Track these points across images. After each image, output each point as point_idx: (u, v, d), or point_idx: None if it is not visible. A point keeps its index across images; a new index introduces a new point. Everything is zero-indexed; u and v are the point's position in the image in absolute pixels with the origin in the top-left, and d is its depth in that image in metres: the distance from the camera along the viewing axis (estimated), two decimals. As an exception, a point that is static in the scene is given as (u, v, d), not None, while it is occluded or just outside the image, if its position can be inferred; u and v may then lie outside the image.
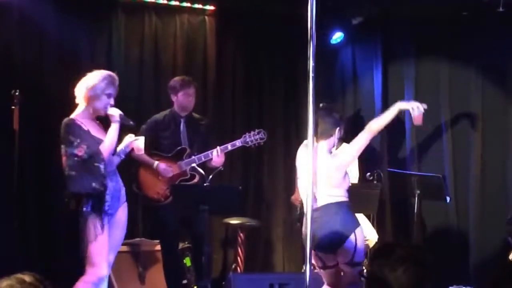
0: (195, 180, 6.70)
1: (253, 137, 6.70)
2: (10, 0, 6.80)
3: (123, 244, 6.91)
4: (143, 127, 6.78)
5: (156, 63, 7.84)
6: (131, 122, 5.69)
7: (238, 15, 8.16)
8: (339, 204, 5.33)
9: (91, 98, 5.41)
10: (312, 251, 4.92)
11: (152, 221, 7.07)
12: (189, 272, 6.81)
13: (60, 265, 6.81)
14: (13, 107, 5.61)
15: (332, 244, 5.21)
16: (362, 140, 5.52)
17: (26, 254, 6.30)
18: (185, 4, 7.93)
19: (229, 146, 6.69)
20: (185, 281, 6.79)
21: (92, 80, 5.43)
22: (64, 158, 5.26)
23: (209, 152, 6.65)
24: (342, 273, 5.40)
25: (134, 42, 7.72)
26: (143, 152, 5.75)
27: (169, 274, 6.75)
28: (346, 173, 5.43)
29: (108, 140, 5.43)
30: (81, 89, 5.43)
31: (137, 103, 7.57)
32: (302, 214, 6.89)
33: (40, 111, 6.90)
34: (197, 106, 7.16)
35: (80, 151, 5.24)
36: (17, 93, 5.79)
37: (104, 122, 5.54)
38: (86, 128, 5.35)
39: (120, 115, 5.52)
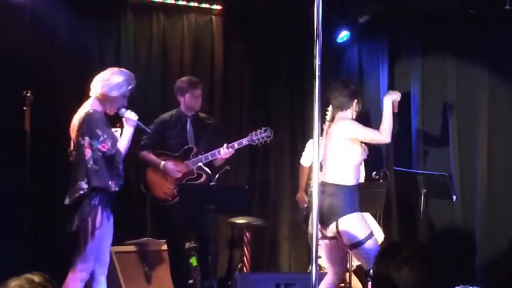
0: (202, 179, 6.73)
1: (259, 135, 6.72)
2: (22, 1, 6.84)
3: (130, 244, 6.99)
4: (151, 127, 6.82)
5: (164, 62, 7.89)
6: (148, 129, 5.71)
7: (244, 14, 8.20)
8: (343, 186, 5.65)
9: (110, 96, 5.39)
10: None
11: (159, 220, 7.09)
12: (195, 271, 6.83)
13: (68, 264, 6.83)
14: (24, 108, 5.64)
15: (325, 219, 5.56)
16: (371, 132, 5.80)
17: (36, 254, 6.33)
18: (192, 3, 7.97)
19: (235, 145, 6.71)
20: (191, 281, 6.81)
21: (115, 79, 5.41)
22: (88, 150, 5.21)
23: (215, 151, 6.68)
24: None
25: (142, 42, 7.77)
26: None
27: (176, 274, 6.77)
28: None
29: (124, 142, 5.42)
30: (101, 84, 5.40)
31: (145, 101, 7.62)
32: (308, 214, 6.94)
33: (51, 112, 6.94)
34: (204, 105, 7.19)
35: (104, 147, 5.23)
36: (28, 94, 5.81)
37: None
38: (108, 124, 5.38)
39: (138, 119, 5.52)
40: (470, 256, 7.12)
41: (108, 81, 5.38)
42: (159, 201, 6.78)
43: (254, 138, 6.71)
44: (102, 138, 5.21)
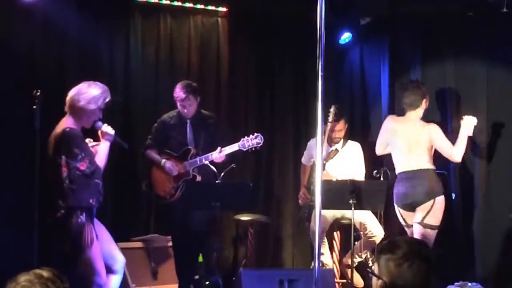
0: (197, 180, 6.73)
1: (250, 142, 6.62)
2: (34, 2, 6.87)
3: (136, 240, 7.01)
4: (155, 126, 6.86)
5: (171, 63, 7.91)
6: (124, 144, 5.64)
7: (250, 16, 8.22)
8: (427, 170, 6.39)
9: (87, 109, 5.31)
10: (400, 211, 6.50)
11: (164, 217, 7.11)
12: (201, 267, 6.85)
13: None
14: (34, 107, 5.64)
15: (413, 203, 6.34)
16: (448, 146, 6.53)
17: (46, 252, 6.33)
18: (198, 6, 7.99)
19: (227, 149, 6.67)
20: (197, 277, 6.82)
21: (92, 91, 5.33)
22: (64, 169, 5.14)
23: (209, 154, 6.65)
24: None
25: (150, 43, 7.80)
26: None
27: (181, 270, 6.78)
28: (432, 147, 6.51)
29: (101, 157, 5.33)
30: (77, 99, 5.32)
31: (154, 102, 7.65)
32: (310, 211, 6.95)
33: (61, 112, 6.94)
34: (210, 105, 7.22)
35: (83, 166, 5.14)
36: (38, 94, 5.81)
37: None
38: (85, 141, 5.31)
39: (114, 134, 5.45)
40: (469, 253, 7.11)
41: (86, 94, 5.30)
42: (159, 199, 6.81)
43: (245, 144, 6.62)
44: (80, 156, 5.13)
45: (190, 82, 6.92)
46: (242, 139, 6.65)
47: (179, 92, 6.76)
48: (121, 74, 7.58)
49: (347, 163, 7.29)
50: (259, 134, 6.65)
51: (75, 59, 7.30)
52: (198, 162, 6.70)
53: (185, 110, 6.79)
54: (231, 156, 6.72)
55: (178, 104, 6.79)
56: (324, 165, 7.16)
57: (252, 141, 6.63)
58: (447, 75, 7.69)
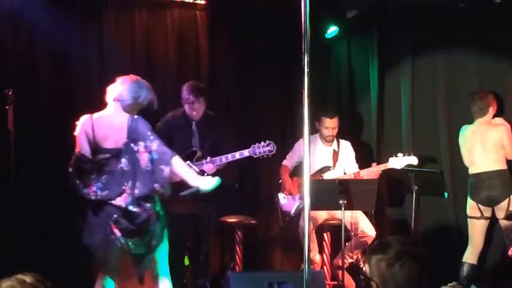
0: None
1: (261, 149, 6.61)
2: (1, -1, 6.86)
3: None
4: (159, 125, 6.82)
5: (148, 59, 7.87)
6: None
7: (230, 9, 8.16)
8: (503, 170, 6.94)
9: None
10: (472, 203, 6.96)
11: None
12: (188, 271, 6.86)
13: (60, 265, 6.87)
14: (6, 106, 5.66)
15: (491, 201, 6.89)
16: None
17: (25, 254, 6.35)
18: (176, -2, 8.00)
19: (237, 155, 6.65)
20: (184, 280, 6.83)
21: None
22: (145, 154, 5.25)
23: (199, 163, 6.64)
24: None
25: (125, 38, 7.74)
26: None
27: (174, 274, 6.78)
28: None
29: None
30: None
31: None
32: (300, 210, 7.01)
33: (34, 110, 6.96)
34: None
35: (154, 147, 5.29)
36: (10, 93, 5.82)
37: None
38: None
39: None
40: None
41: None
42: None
43: (256, 150, 6.61)
44: (153, 137, 5.31)
45: (198, 84, 6.92)
46: (252, 145, 6.62)
47: (188, 95, 6.74)
48: (95, 71, 7.53)
49: (344, 163, 7.39)
50: (271, 142, 6.64)
51: (46, 56, 7.23)
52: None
53: (194, 113, 6.77)
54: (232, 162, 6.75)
55: (187, 107, 6.77)
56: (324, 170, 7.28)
57: (263, 148, 6.61)
58: (438, 68, 7.74)
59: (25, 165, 6.70)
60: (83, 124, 5.30)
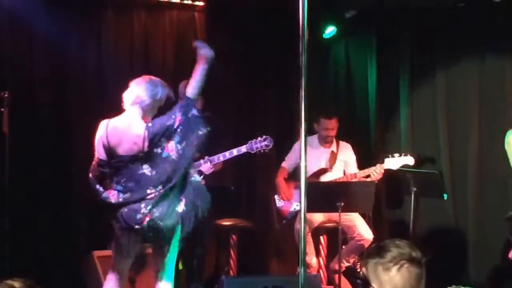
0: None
1: (258, 144, 6.66)
2: (-1, 0, 6.85)
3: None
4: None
5: (146, 60, 7.89)
6: None
7: (228, 10, 8.20)
8: None
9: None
10: None
11: None
12: (181, 275, 6.84)
13: (52, 267, 6.86)
14: (2, 109, 5.64)
15: None
16: None
17: (17, 256, 6.34)
18: (174, 0, 7.99)
19: (234, 152, 6.66)
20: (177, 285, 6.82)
21: None
22: (174, 152, 5.21)
23: (197, 163, 6.64)
24: None
25: (123, 39, 7.76)
26: None
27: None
28: None
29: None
30: None
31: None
32: (296, 213, 7.00)
33: (30, 112, 6.94)
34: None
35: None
36: (6, 95, 5.81)
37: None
38: None
39: None
40: (463, 256, 7.17)
41: None
42: None
43: (253, 146, 6.64)
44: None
45: None
46: (250, 141, 6.67)
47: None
48: (93, 72, 7.54)
49: (342, 165, 7.38)
50: (268, 136, 6.67)
51: (43, 58, 7.26)
52: (202, 162, 6.68)
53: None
54: (236, 159, 6.76)
55: None
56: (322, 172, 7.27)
57: (260, 143, 6.65)
58: (437, 69, 7.73)
59: (19, 168, 6.68)
60: (99, 130, 5.26)
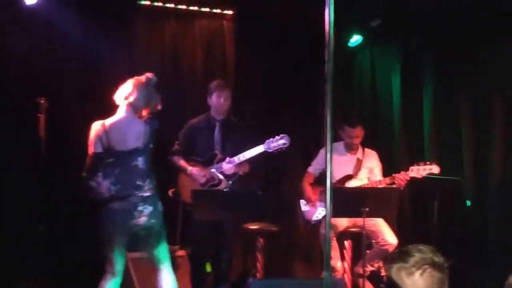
0: (222, 185, 6.74)
1: (275, 143, 6.65)
2: (36, 6, 6.93)
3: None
4: (182, 131, 6.86)
5: (176, 68, 7.95)
6: None
7: (256, 19, 8.24)
8: None
9: None
10: None
11: (188, 226, 7.11)
12: (209, 277, 6.86)
13: (87, 268, 6.89)
14: (39, 114, 5.69)
15: None
16: None
17: (53, 258, 6.40)
18: (204, 9, 8.04)
19: (253, 151, 6.67)
20: (204, 287, 6.83)
21: None
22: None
23: (220, 164, 6.69)
24: None
25: (155, 47, 7.84)
26: None
27: (196, 281, 6.78)
28: None
29: None
30: None
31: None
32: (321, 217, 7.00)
33: (65, 118, 7.00)
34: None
35: None
36: (42, 101, 5.86)
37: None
38: None
39: None
40: (484, 262, 7.11)
41: None
42: (186, 206, 6.82)
43: (270, 145, 6.66)
44: None
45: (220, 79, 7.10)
46: (266, 140, 6.67)
47: (216, 84, 6.91)
48: (125, 80, 7.58)
49: (367, 172, 7.36)
50: (285, 135, 6.67)
51: (77, 65, 7.35)
52: (217, 170, 6.71)
53: (221, 99, 6.86)
54: (252, 159, 6.76)
55: (215, 95, 6.87)
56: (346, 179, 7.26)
57: (277, 142, 6.64)
58: (461, 78, 7.67)
59: (55, 172, 6.74)
60: (96, 130, 5.33)
